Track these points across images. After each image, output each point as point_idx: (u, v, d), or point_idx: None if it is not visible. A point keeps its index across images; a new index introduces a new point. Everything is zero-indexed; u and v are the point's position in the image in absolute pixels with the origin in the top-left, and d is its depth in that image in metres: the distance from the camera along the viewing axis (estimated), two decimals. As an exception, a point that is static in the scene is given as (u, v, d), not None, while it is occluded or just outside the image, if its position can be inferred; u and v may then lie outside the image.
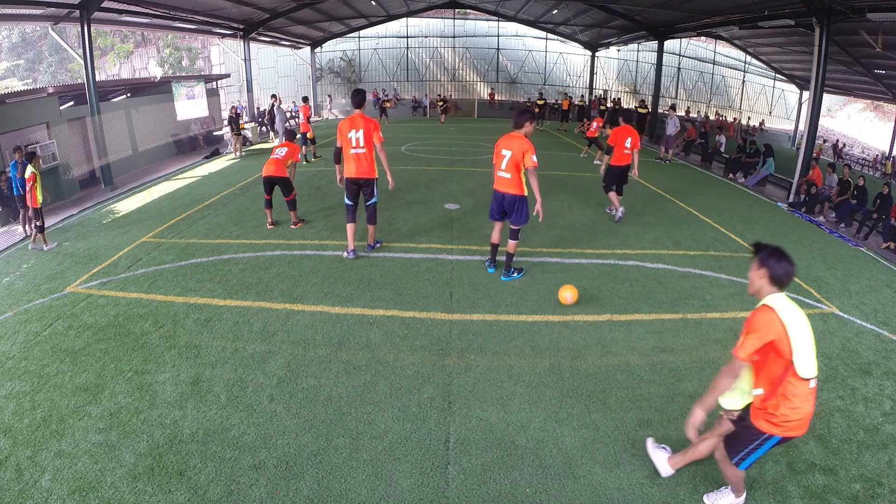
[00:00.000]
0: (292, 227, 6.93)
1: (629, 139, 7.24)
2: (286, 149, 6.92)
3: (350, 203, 5.66)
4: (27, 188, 6.32)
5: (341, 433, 3.17)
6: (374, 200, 5.76)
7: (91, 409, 3.34)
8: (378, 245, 6.19)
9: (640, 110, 17.25)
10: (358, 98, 5.40)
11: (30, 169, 6.33)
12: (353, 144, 5.38)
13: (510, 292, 5.07)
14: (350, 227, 5.72)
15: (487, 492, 2.78)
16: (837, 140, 22.56)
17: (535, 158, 4.76)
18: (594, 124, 13.37)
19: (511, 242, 5.16)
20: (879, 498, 2.81)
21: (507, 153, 4.88)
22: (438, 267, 5.64)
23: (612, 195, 7.48)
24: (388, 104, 21.15)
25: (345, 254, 5.82)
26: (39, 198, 6.37)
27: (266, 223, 7.00)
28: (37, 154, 6.67)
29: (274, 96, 15.30)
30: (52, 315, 4.62)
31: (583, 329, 4.44)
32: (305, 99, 13.27)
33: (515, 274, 5.38)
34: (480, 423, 3.29)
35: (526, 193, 4.96)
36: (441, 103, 20.85)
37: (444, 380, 3.71)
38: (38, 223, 6.47)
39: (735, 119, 21.15)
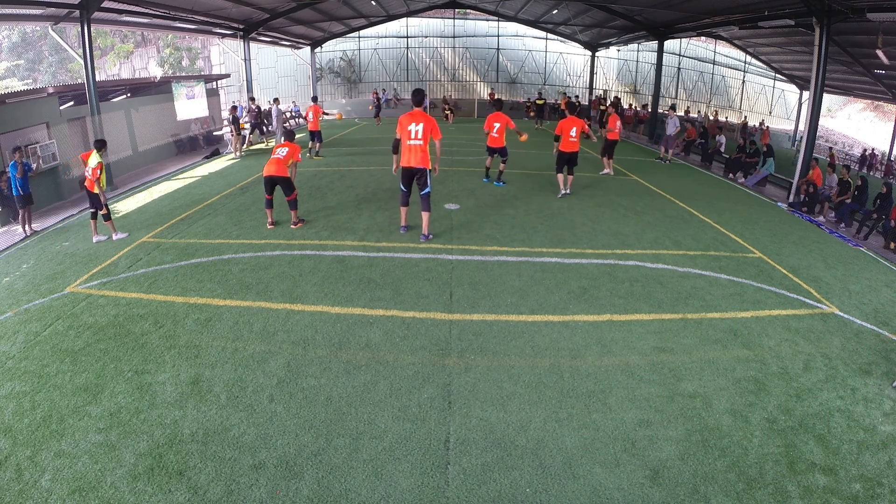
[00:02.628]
0: (292, 227, 6.92)
1: (574, 128, 8.49)
2: (287, 149, 6.91)
3: (405, 189, 6.33)
4: (93, 177, 6.37)
5: (341, 433, 3.17)
6: (427, 190, 6.17)
7: (91, 409, 3.34)
8: (432, 236, 6.49)
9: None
10: (418, 97, 6.04)
11: (96, 158, 6.40)
12: (412, 136, 5.96)
13: (510, 292, 5.07)
14: (404, 209, 6.53)
15: (487, 492, 2.78)
16: (865, 150, 21.97)
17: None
18: (615, 124, 10.95)
19: (502, 165, 9.14)
20: (879, 498, 2.81)
21: (497, 124, 8.58)
22: (438, 267, 5.63)
23: (559, 177, 8.80)
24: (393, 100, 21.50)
25: (401, 230, 6.61)
26: (104, 184, 6.55)
27: (266, 223, 7.00)
28: (105, 143, 6.80)
29: (252, 99, 15.04)
30: (52, 315, 4.62)
31: (583, 329, 4.44)
32: (315, 99, 13.52)
33: (501, 183, 9.16)
34: (480, 423, 3.29)
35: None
36: (445, 106, 21.06)
37: (444, 380, 3.71)
38: (103, 212, 6.60)
39: (766, 126, 20.69)
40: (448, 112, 20.75)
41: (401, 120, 6.09)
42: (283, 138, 7.51)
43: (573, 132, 8.45)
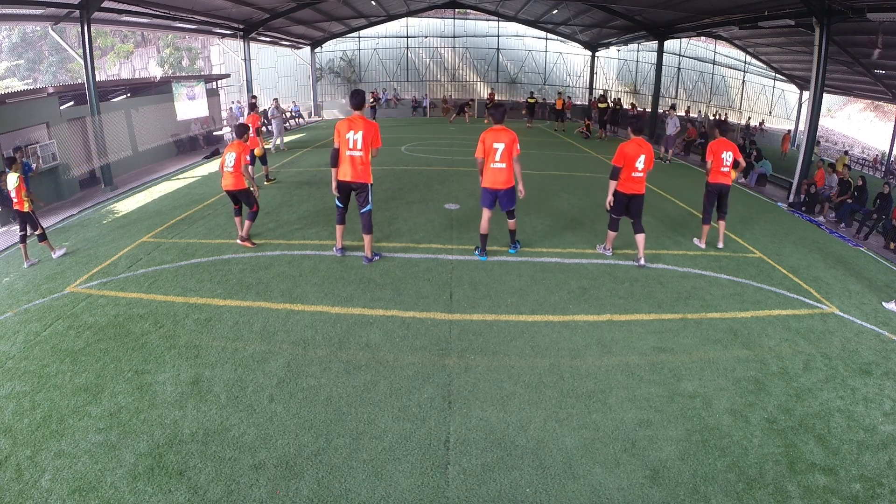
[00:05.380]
0: (239, 241, 6.20)
1: (642, 157, 5.41)
2: (233, 154, 5.97)
3: (340, 206, 5.54)
4: (18, 198, 5.85)
5: (341, 433, 3.17)
6: (368, 208, 5.37)
7: (91, 409, 3.34)
8: (377, 258, 5.75)
9: (600, 105, 17.53)
10: (357, 99, 5.23)
11: (14, 177, 5.81)
12: (350, 146, 5.19)
13: (510, 292, 5.07)
14: (340, 228, 5.74)
15: (487, 492, 2.78)
16: (883, 156, 21.24)
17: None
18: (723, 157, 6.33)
19: (512, 221, 5.85)
20: (879, 498, 2.81)
21: (500, 145, 5.32)
22: (438, 267, 5.63)
23: (611, 235, 5.97)
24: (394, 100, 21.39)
25: (334, 251, 5.92)
26: (33, 201, 6.02)
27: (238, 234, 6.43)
28: (16, 160, 6.11)
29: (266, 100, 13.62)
30: (52, 315, 4.62)
31: (583, 329, 4.44)
32: (253, 107, 10.11)
33: (516, 246, 6.09)
34: (480, 423, 3.29)
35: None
36: (448, 106, 21.39)
37: (444, 380, 3.71)
38: (38, 231, 6.04)
39: (765, 128, 20.40)
40: (465, 111, 21.05)
41: (338, 127, 5.22)
42: (233, 135, 6.40)
43: (640, 163, 5.43)
